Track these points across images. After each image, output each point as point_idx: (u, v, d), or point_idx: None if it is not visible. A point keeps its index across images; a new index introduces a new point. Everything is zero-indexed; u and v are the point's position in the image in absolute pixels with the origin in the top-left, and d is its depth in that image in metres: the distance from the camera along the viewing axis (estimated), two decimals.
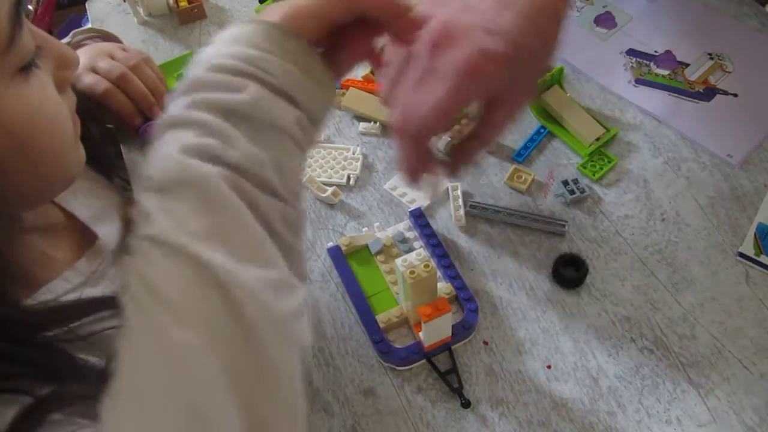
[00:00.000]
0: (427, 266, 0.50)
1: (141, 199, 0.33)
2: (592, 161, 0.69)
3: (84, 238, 0.60)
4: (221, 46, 0.36)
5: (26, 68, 0.42)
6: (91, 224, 0.61)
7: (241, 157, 0.33)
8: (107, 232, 0.62)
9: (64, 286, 0.53)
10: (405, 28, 0.41)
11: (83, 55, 0.72)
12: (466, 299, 0.58)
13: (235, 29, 0.37)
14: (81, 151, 0.52)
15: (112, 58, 0.72)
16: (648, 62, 0.78)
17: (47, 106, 0.45)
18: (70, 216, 0.61)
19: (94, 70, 0.70)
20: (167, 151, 0.33)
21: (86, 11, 0.92)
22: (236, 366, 0.30)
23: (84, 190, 0.63)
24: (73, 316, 0.49)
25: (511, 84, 0.44)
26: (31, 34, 0.43)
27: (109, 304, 0.54)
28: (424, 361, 0.56)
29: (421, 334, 0.54)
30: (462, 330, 0.56)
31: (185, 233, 0.31)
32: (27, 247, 0.54)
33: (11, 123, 0.42)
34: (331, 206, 0.68)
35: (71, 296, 0.53)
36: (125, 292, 0.31)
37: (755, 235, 0.63)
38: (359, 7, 0.38)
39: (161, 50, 0.84)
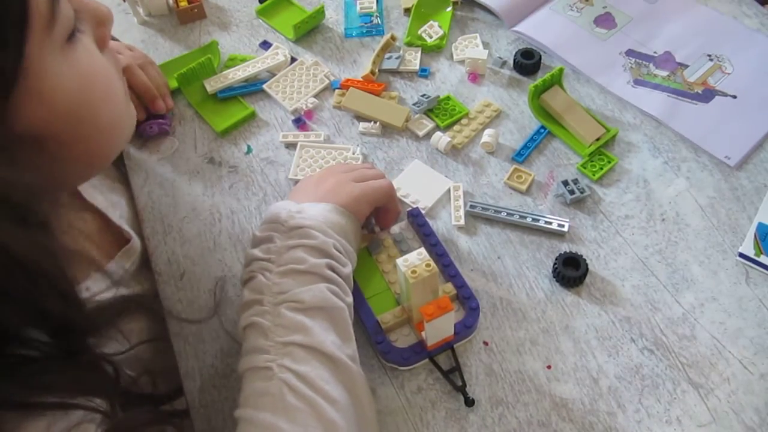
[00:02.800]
0: (428, 265, 0.50)
1: (290, 314, 0.48)
2: (592, 161, 0.69)
3: (114, 237, 0.63)
4: (335, 231, 0.54)
5: (71, 36, 0.43)
6: (119, 223, 0.64)
7: (348, 299, 0.53)
8: (136, 232, 0.65)
9: (99, 285, 0.55)
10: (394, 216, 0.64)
11: None
12: (466, 297, 0.58)
13: (338, 219, 0.55)
14: (132, 110, 0.53)
15: (118, 54, 0.72)
16: (647, 63, 0.78)
17: (97, 70, 0.46)
18: (102, 216, 0.63)
19: None
20: (318, 288, 0.50)
21: None
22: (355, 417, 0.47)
23: (108, 188, 0.67)
24: (111, 316, 0.50)
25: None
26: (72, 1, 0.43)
27: (139, 302, 0.58)
28: (426, 360, 0.56)
29: (423, 333, 0.54)
30: (464, 329, 0.56)
31: (327, 342, 0.48)
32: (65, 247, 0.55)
33: (69, 95, 0.43)
34: None
35: (106, 295, 0.54)
36: (272, 380, 0.45)
37: (755, 235, 0.63)
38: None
39: (161, 50, 0.84)
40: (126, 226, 0.64)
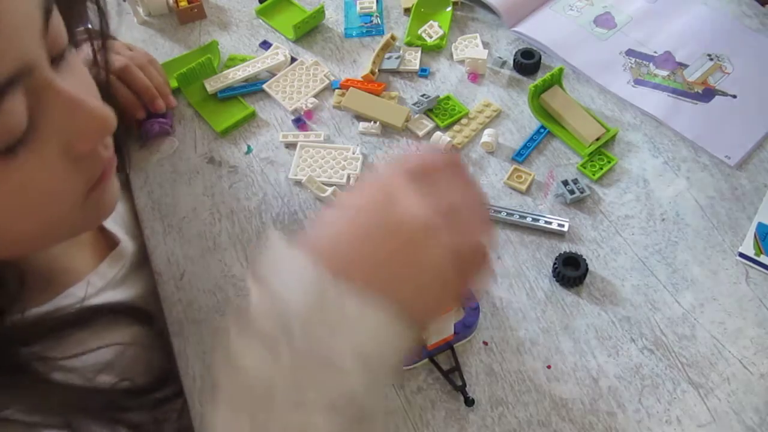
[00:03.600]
0: None
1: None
2: (592, 161, 0.69)
3: (104, 241, 0.62)
4: (373, 371, 0.33)
5: (9, 150, 0.36)
6: (113, 227, 0.62)
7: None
8: (128, 235, 0.64)
9: (84, 290, 0.54)
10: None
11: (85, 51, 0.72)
12: (466, 297, 0.58)
13: (387, 348, 0.33)
14: (89, 206, 0.44)
15: (117, 54, 0.72)
16: (647, 63, 0.78)
17: (33, 191, 0.38)
18: None
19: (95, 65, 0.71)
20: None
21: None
22: None
23: None
24: (60, 328, 0.48)
25: None
26: (48, 102, 0.37)
27: (116, 309, 0.55)
28: (426, 360, 0.56)
29: (423, 333, 0.54)
30: (464, 328, 0.56)
31: None
32: (49, 254, 0.54)
33: None
34: None
35: (93, 300, 0.54)
36: None
37: (755, 235, 0.63)
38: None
39: (161, 50, 0.84)
40: (115, 229, 0.62)
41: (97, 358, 0.50)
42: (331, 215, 0.36)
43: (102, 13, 0.56)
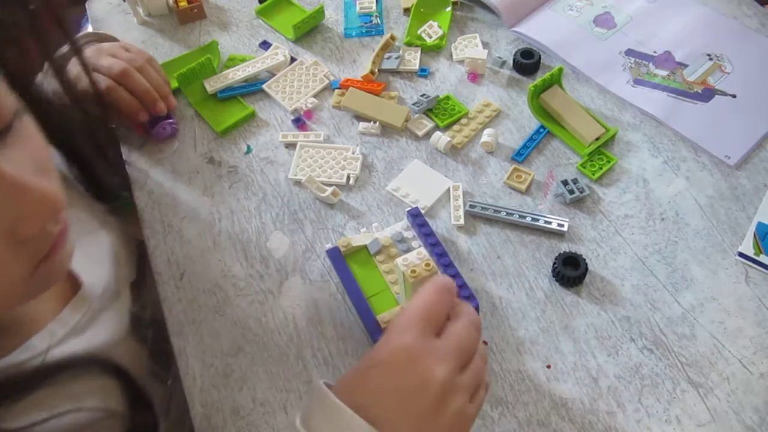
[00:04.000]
0: (428, 265, 0.50)
1: None
2: (592, 161, 0.69)
3: (68, 283, 0.57)
4: None
5: None
6: (80, 266, 0.57)
7: None
8: (96, 274, 0.59)
9: (47, 340, 0.50)
10: None
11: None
12: (466, 297, 0.58)
13: None
14: (53, 275, 0.43)
15: (115, 57, 0.72)
16: (647, 63, 0.78)
17: None
18: None
19: (95, 69, 0.70)
20: None
21: (86, 11, 0.92)
22: None
23: (76, 224, 0.59)
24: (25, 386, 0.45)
25: None
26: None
27: (68, 365, 0.50)
28: None
29: None
30: None
31: None
32: None
33: None
34: (331, 206, 0.68)
35: (55, 350, 0.50)
36: None
37: (755, 234, 0.63)
38: None
39: (161, 50, 0.84)
40: (88, 266, 0.58)
41: (54, 424, 0.47)
42: (369, 373, 0.41)
43: (68, 35, 0.55)
